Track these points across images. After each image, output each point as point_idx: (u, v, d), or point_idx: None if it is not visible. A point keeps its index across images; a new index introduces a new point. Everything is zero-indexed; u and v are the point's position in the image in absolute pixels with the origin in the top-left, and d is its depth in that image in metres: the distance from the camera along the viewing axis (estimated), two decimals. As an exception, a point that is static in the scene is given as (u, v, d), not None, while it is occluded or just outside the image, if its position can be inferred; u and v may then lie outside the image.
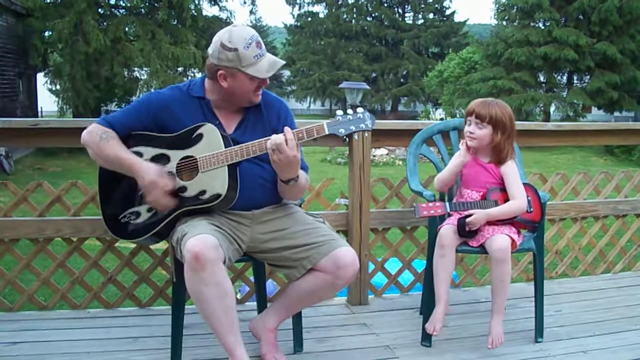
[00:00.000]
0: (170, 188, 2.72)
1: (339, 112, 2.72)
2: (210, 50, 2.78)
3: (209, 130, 2.75)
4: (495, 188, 3.19)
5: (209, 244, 2.54)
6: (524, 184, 3.25)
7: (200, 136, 2.75)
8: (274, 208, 2.94)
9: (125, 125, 2.83)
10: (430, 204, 3.06)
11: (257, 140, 2.71)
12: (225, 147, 2.71)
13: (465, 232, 3.13)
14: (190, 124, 2.79)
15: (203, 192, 2.73)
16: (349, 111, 2.72)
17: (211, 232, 2.62)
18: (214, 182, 2.71)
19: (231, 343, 2.68)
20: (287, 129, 2.67)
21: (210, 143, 2.73)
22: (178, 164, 2.77)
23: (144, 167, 2.73)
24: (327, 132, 2.69)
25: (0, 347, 3.10)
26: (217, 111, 2.88)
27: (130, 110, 2.88)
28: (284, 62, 2.83)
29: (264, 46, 2.78)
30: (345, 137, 2.73)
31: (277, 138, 2.63)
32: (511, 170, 3.20)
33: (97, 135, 2.79)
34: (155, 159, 2.80)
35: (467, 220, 3.10)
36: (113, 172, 2.84)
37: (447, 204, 3.09)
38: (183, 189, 2.75)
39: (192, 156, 2.75)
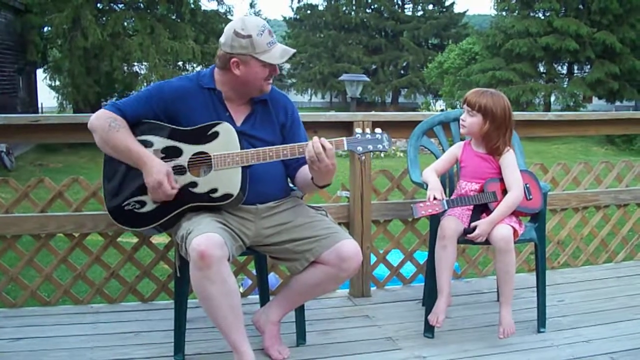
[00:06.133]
0: (175, 191, 2.72)
1: (358, 130, 2.82)
2: (222, 39, 2.79)
3: (225, 129, 2.76)
4: (493, 179, 3.18)
5: (214, 243, 2.55)
6: (522, 171, 3.23)
7: (216, 134, 2.75)
8: (277, 202, 2.95)
9: (136, 112, 2.80)
10: (428, 203, 3.04)
11: (275, 147, 2.75)
12: (241, 149, 2.72)
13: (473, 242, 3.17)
14: (200, 116, 2.80)
15: (214, 190, 2.73)
16: (367, 130, 2.81)
17: (216, 230, 2.62)
18: (226, 181, 2.72)
19: (237, 339, 2.69)
20: (323, 139, 2.69)
21: (226, 142, 2.74)
22: (190, 158, 2.77)
23: (154, 164, 2.72)
24: (346, 148, 2.74)
25: (3, 342, 3.11)
26: (228, 103, 2.88)
27: (141, 98, 2.85)
28: (294, 50, 2.88)
29: (274, 35, 2.81)
30: (361, 155, 2.77)
31: (317, 148, 2.65)
32: (508, 161, 3.18)
33: (106, 122, 2.76)
34: (166, 150, 2.79)
35: (473, 235, 3.10)
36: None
37: (444, 201, 3.06)
38: (193, 184, 2.75)
39: (206, 153, 2.75)
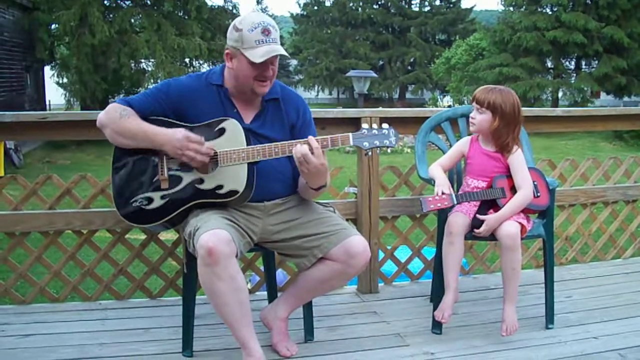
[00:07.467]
0: (203, 141, 2.71)
1: (365, 126, 2.76)
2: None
3: (231, 125, 2.75)
4: (501, 175, 3.17)
5: (222, 239, 2.55)
6: (529, 168, 3.23)
7: (223, 130, 2.75)
8: (284, 199, 2.95)
9: (145, 107, 2.80)
10: (437, 197, 3.04)
11: (281, 143, 2.73)
12: (247, 145, 2.71)
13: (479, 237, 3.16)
14: (208, 113, 2.79)
15: (220, 187, 2.73)
16: (374, 126, 2.75)
17: (224, 227, 2.62)
18: (232, 177, 2.72)
19: (245, 336, 2.70)
20: (310, 137, 2.68)
21: (232, 139, 2.73)
22: None
23: (172, 130, 2.72)
24: (352, 144, 2.72)
25: (12, 339, 3.12)
26: (235, 100, 2.87)
27: (149, 95, 2.85)
28: (280, 53, 2.73)
29: (273, 36, 2.72)
30: (368, 150, 2.75)
31: (301, 149, 2.64)
32: (517, 160, 3.17)
33: (116, 112, 2.76)
34: None
35: (480, 231, 3.09)
36: (129, 155, 2.83)
37: (453, 195, 3.06)
38: (200, 180, 2.75)
39: (212, 149, 2.75)
